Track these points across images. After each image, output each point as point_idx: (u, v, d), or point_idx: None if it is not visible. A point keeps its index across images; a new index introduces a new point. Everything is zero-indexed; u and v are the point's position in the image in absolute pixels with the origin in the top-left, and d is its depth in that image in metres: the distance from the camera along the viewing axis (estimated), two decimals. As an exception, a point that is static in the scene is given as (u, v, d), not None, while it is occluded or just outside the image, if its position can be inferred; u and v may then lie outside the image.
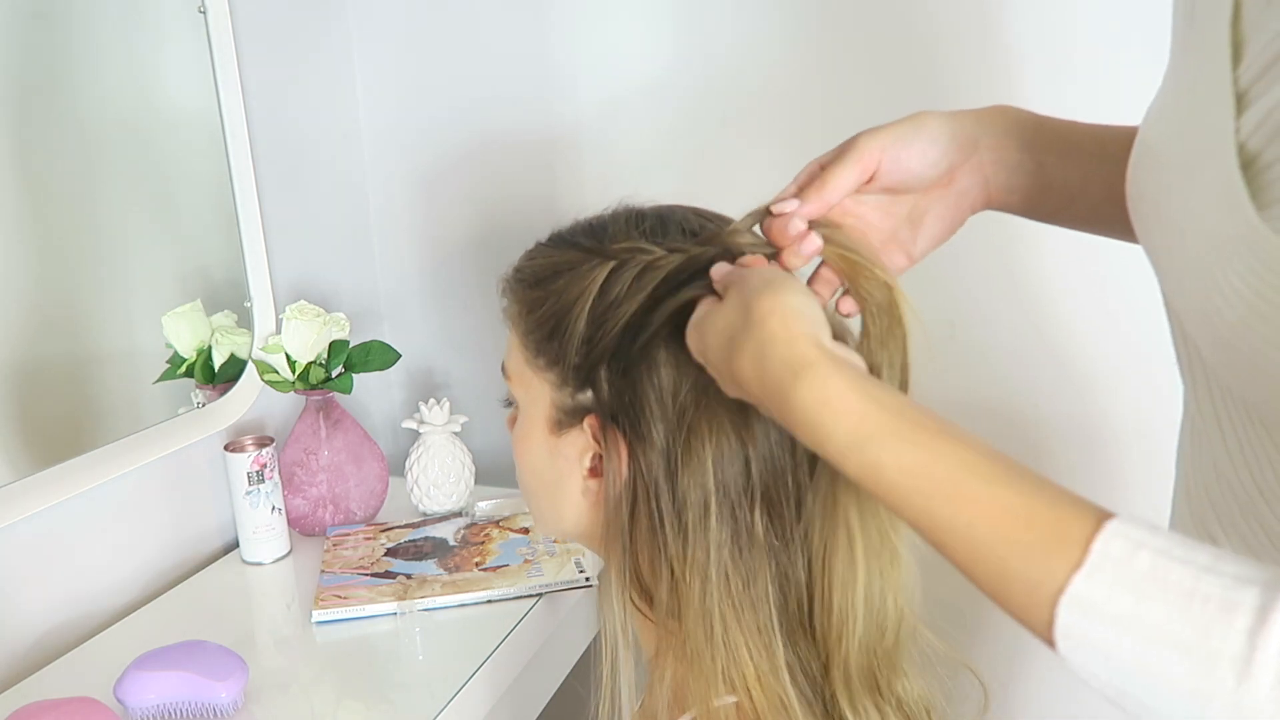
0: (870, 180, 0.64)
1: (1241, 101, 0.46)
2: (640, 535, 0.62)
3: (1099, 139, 0.67)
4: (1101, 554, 0.42)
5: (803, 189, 0.64)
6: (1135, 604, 0.41)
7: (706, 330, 0.56)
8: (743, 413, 0.60)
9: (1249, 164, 0.45)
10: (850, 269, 0.62)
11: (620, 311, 0.61)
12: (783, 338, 0.51)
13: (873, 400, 0.49)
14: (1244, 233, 0.44)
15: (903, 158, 0.64)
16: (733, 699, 0.60)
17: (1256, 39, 0.48)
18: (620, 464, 0.62)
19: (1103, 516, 0.43)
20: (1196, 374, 0.59)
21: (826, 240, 0.62)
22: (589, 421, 0.63)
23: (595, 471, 0.65)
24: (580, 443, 0.65)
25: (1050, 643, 0.44)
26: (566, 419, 0.65)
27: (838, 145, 0.65)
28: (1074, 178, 0.67)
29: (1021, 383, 1.24)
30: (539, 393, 0.66)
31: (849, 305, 0.63)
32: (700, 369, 0.59)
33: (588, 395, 0.63)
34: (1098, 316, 1.19)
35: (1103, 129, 0.68)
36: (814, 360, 0.50)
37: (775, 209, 0.62)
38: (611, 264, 0.62)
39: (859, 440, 0.48)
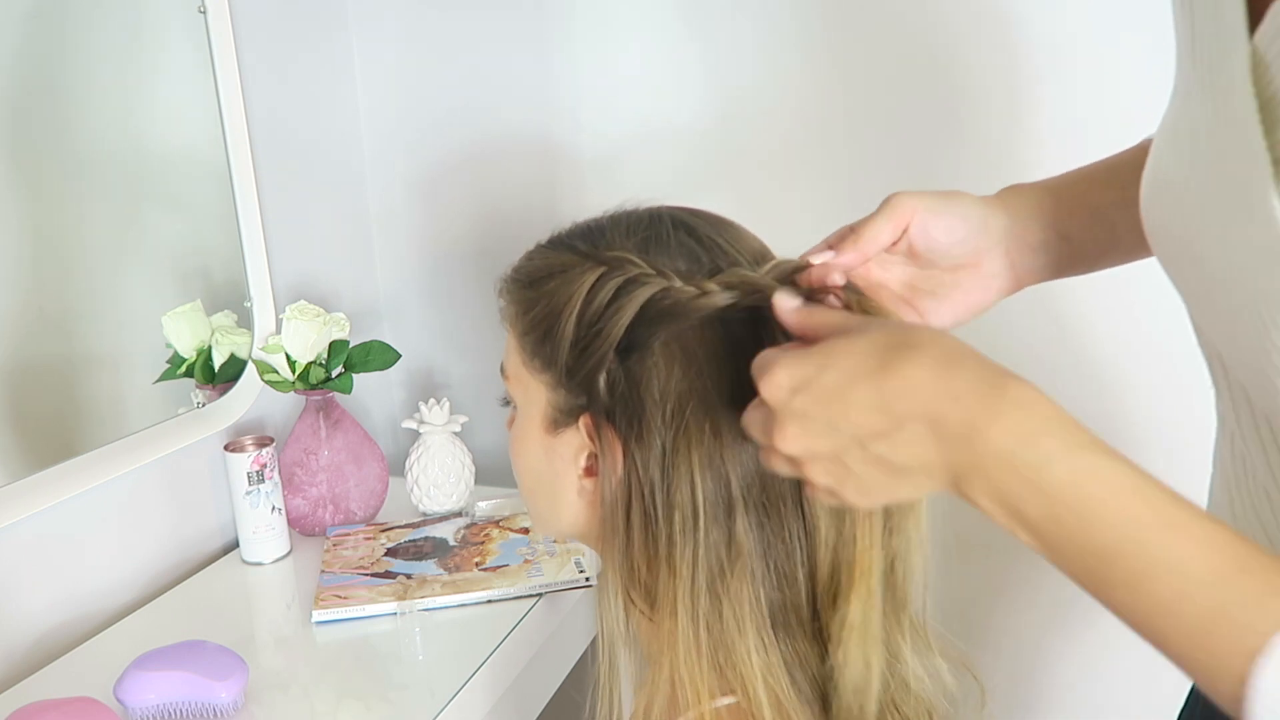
0: (898, 242, 0.66)
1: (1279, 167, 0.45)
2: (636, 534, 0.62)
3: (1116, 182, 0.67)
4: None
5: (834, 246, 0.64)
6: None
7: (824, 361, 0.51)
8: (739, 411, 0.60)
9: None
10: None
11: (609, 318, 0.61)
12: (970, 354, 0.49)
13: (1077, 420, 0.47)
14: None
15: (931, 226, 0.65)
16: (731, 699, 0.60)
17: None
18: (615, 463, 0.62)
19: None
20: (1237, 399, 0.59)
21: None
22: (584, 420, 0.64)
23: (591, 471, 0.65)
24: (575, 442, 0.65)
25: (1238, 696, 0.42)
26: (562, 418, 0.65)
27: (873, 210, 0.66)
28: (1102, 234, 0.69)
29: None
30: (535, 393, 0.66)
31: None
32: (698, 370, 0.59)
33: (582, 395, 0.64)
34: (1116, 312, 1.18)
35: (1115, 168, 0.69)
36: (1012, 373, 0.48)
37: (813, 259, 0.62)
38: (601, 270, 0.62)
39: (1079, 445, 0.45)
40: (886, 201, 0.65)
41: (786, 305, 0.57)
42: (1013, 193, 0.69)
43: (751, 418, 0.55)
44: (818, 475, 0.52)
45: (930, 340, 0.49)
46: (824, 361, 0.50)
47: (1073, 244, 0.68)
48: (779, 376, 0.51)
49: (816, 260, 0.62)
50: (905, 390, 0.48)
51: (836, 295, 0.59)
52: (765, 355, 0.54)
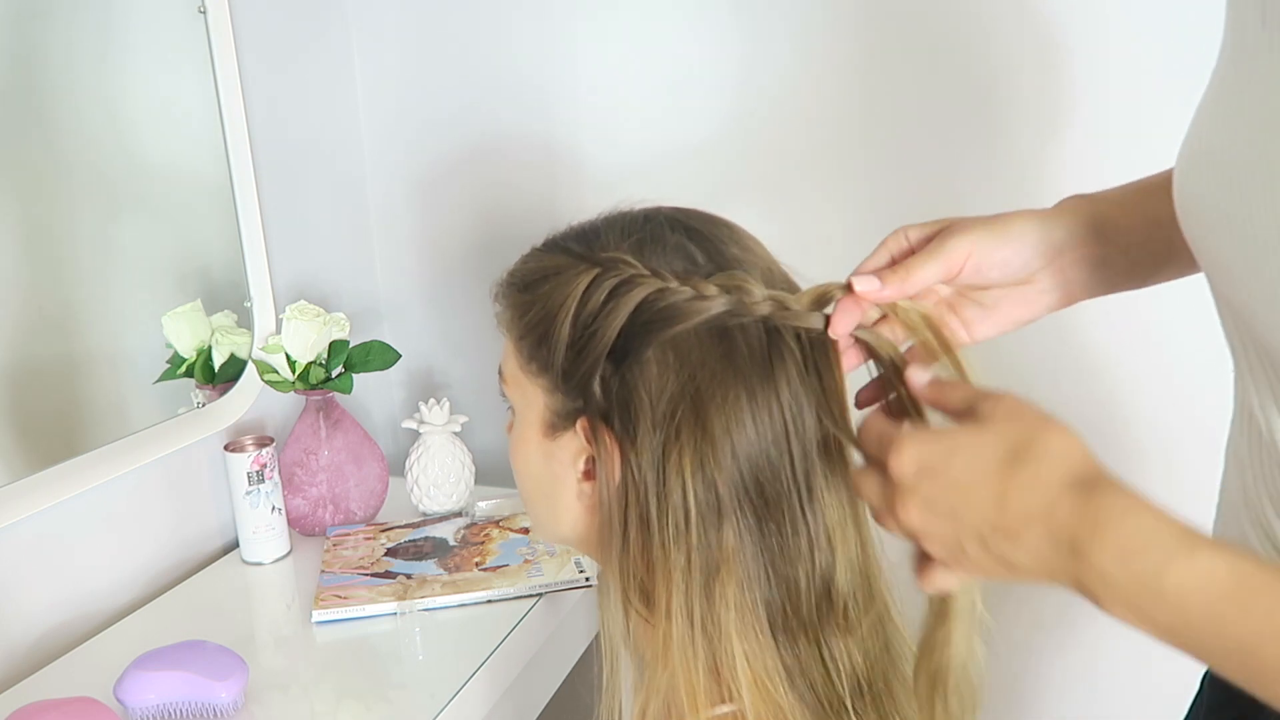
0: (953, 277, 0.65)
1: None
2: (633, 537, 0.61)
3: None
4: None
5: (883, 270, 0.64)
6: None
7: (952, 451, 0.52)
8: (733, 414, 0.60)
9: None
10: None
11: (604, 319, 0.61)
12: (1081, 460, 0.49)
13: (1174, 517, 0.47)
14: None
15: (984, 265, 0.65)
16: (729, 708, 0.60)
17: None
18: (613, 466, 0.62)
19: None
20: (1258, 378, 0.58)
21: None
22: (581, 423, 0.63)
23: (589, 474, 0.65)
24: (574, 446, 0.64)
25: None
26: (560, 421, 0.65)
27: (933, 224, 0.65)
28: (1160, 248, 0.68)
29: (1035, 386, 1.22)
30: (533, 397, 0.66)
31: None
32: (690, 373, 0.59)
33: (579, 398, 0.63)
34: (1119, 319, 1.17)
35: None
36: (1114, 481, 0.49)
37: (856, 285, 0.62)
38: (595, 271, 0.62)
39: (1174, 551, 0.46)
40: (941, 243, 0.64)
41: (919, 380, 0.58)
42: (1074, 206, 0.68)
43: (868, 483, 0.55)
44: (934, 548, 0.53)
45: (1052, 450, 0.50)
46: (952, 451, 0.52)
47: (1130, 258, 0.68)
48: (907, 454, 0.52)
49: (860, 287, 0.62)
50: (1024, 502, 0.49)
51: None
52: (888, 429, 0.55)
